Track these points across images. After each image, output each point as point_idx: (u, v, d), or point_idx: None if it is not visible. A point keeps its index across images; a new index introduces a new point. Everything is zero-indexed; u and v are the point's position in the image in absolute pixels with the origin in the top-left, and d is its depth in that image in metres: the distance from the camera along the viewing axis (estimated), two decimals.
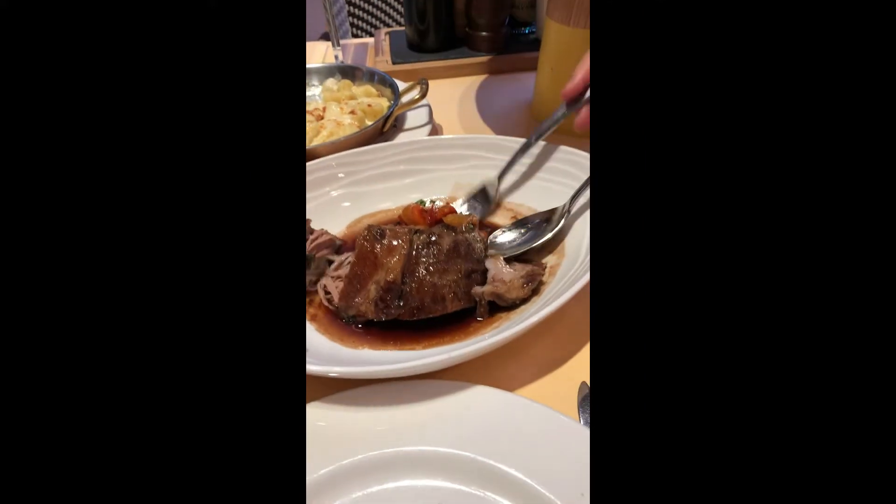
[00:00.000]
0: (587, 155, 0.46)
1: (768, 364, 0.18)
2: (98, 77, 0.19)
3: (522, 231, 0.43)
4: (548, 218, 0.43)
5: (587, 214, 0.43)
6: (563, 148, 0.48)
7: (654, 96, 0.19)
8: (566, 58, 0.58)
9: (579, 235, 0.42)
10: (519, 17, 0.80)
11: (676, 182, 0.19)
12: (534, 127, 0.65)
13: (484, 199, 0.47)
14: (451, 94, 0.73)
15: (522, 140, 0.49)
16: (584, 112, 0.40)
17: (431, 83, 0.76)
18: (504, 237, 0.43)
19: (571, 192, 0.43)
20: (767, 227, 0.18)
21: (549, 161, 0.48)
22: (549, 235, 0.42)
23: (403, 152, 0.50)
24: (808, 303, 0.18)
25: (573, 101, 0.43)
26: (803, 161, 0.18)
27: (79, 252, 0.19)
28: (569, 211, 0.43)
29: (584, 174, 0.45)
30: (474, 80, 0.76)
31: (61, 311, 0.19)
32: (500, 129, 0.65)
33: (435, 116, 0.67)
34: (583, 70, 0.41)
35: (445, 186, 0.50)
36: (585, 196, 0.43)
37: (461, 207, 0.47)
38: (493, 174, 0.49)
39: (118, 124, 0.19)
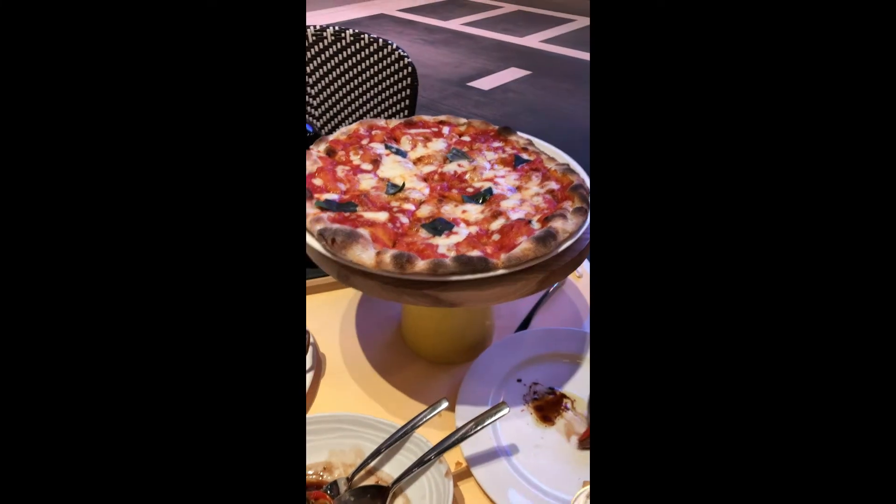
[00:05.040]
0: (427, 442, 0.61)
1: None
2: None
3: None
4: (379, 494, 0.57)
5: (425, 492, 0.58)
6: (415, 435, 0.62)
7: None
8: (418, 314, 0.75)
9: None
10: None
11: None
12: (402, 350, 0.80)
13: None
14: (334, 311, 0.87)
15: (383, 420, 0.63)
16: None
17: (316, 298, 0.89)
18: None
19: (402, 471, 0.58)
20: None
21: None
22: None
23: None
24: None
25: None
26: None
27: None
28: (392, 489, 0.57)
29: (420, 453, 0.59)
30: (355, 295, 0.90)
31: (55, 314, 0.20)
32: (375, 356, 0.79)
33: (319, 337, 0.80)
34: None
35: (322, 454, 0.63)
36: (421, 472, 0.59)
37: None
38: (359, 443, 0.63)
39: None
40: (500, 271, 0.51)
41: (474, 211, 0.61)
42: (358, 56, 1.51)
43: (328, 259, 0.56)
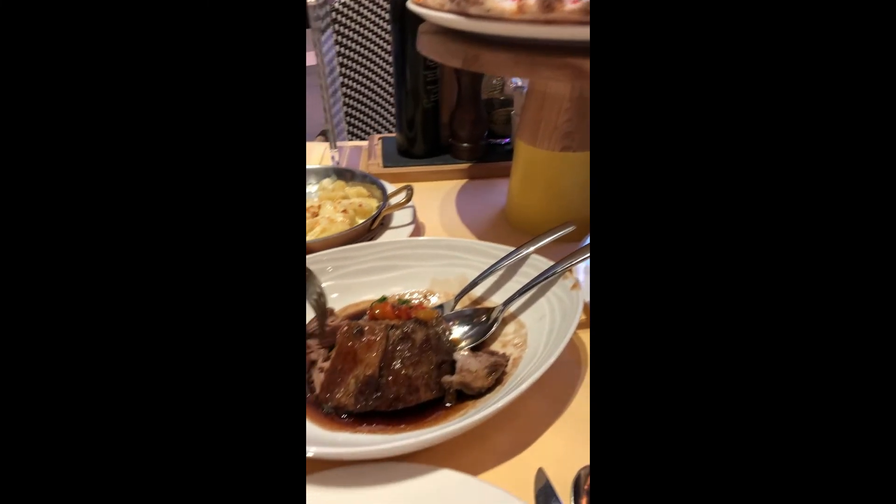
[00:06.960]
0: (547, 261, 0.52)
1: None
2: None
3: (468, 328, 0.49)
4: (487, 314, 0.50)
5: (544, 312, 0.48)
6: (533, 257, 0.54)
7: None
8: (532, 173, 0.67)
9: (537, 332, 0.47)
10: (497, 131, 0.91)
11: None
12: (505, 228, 0.73)
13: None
14: (435, 196, 0.81)
15: (493, 244, 0.55)
16: None
17: (417, 185, 0.85)
18: (456, 331, 0.49)
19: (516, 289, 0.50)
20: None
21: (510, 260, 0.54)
22: (492, 331, 0.49)
23: (388, 250, 0.57)
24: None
25: None
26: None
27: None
28: (503, 310, 0.50)
29: (534, 274, 0.51)
30: (456, 184, 0.85)
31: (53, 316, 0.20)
32: (476, 229, 0.72)
33: (419, 216, 0.74)
34: None
35: (423, 281, 0.56)
36: (538, 294, 0.50)
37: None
38: (465, 271, 0.55)
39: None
40: None
41: None
42: None
43: (454, 38, 0.51)
